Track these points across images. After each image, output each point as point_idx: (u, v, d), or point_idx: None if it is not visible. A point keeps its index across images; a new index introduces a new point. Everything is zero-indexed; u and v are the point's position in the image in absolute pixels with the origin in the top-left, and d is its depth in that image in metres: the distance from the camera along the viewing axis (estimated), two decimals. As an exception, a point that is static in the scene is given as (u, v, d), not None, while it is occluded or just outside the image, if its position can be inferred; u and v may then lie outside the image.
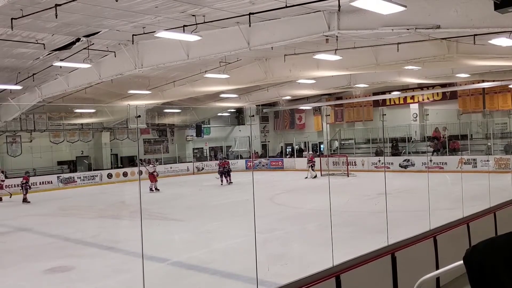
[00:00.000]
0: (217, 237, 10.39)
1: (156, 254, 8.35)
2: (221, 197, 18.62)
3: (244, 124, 35.17)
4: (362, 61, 16.01)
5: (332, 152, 30.96)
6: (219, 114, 34.89)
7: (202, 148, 35.17)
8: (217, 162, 26.66)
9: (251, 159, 33.23)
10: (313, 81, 21.95)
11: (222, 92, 24.42)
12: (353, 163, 26.89)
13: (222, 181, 22.98)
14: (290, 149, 33.31)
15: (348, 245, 7.86)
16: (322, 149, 32.05)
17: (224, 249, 9.14)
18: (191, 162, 32.58)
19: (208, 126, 35.35)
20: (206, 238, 10.39)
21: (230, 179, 23.23)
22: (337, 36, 11.97)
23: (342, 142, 32.19)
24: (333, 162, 26.13)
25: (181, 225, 12.26)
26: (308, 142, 34.30)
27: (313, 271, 4.28)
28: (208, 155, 34.98)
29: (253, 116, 33.91)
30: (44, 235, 11.63)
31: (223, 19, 11.60)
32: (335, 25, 10.21)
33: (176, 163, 31.49)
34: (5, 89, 20.52)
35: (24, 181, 19.83)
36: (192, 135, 34.34)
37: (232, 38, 12.39)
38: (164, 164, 30.84)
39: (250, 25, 10.92)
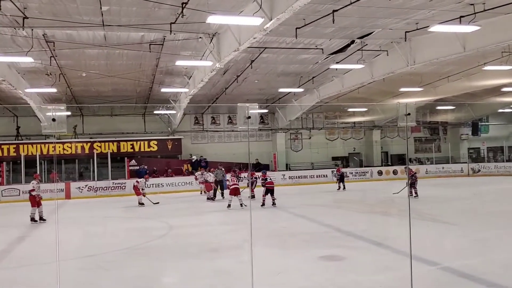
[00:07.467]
0: (494, 247, 9.40)
1: (424, 256, 8.12)
2: (500, 202, 16.71)
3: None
4: None
5: None
6: (500, 110, 31.31)
7: (479, 148, 32.27)
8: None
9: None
10: None
11: (504, 85, 21.94)
12: None
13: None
14: None
15: None
16: None
17: (504, 261, 8.21)
18: (466, 162, 30.22)
19: (486, 124, 32.19)
20: (482, 246, 9.52)
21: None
22: None
23: None
24: None
25: (453, 229, 11.56)
26: None
27: None
28: (485, 155, 31.84)
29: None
30: (320, 224, 12.71)
31: (506, 4, 10.40)
32: None
33: (448, 163, 29.75)
34: (289, 92, 23.31)
35: (338, 173, 22.07)
36: (467, 134, 32.03)
37: (518, 24, 11.02)
38: (435, 164, 29.60)
39: (542, 7, 9.50)
